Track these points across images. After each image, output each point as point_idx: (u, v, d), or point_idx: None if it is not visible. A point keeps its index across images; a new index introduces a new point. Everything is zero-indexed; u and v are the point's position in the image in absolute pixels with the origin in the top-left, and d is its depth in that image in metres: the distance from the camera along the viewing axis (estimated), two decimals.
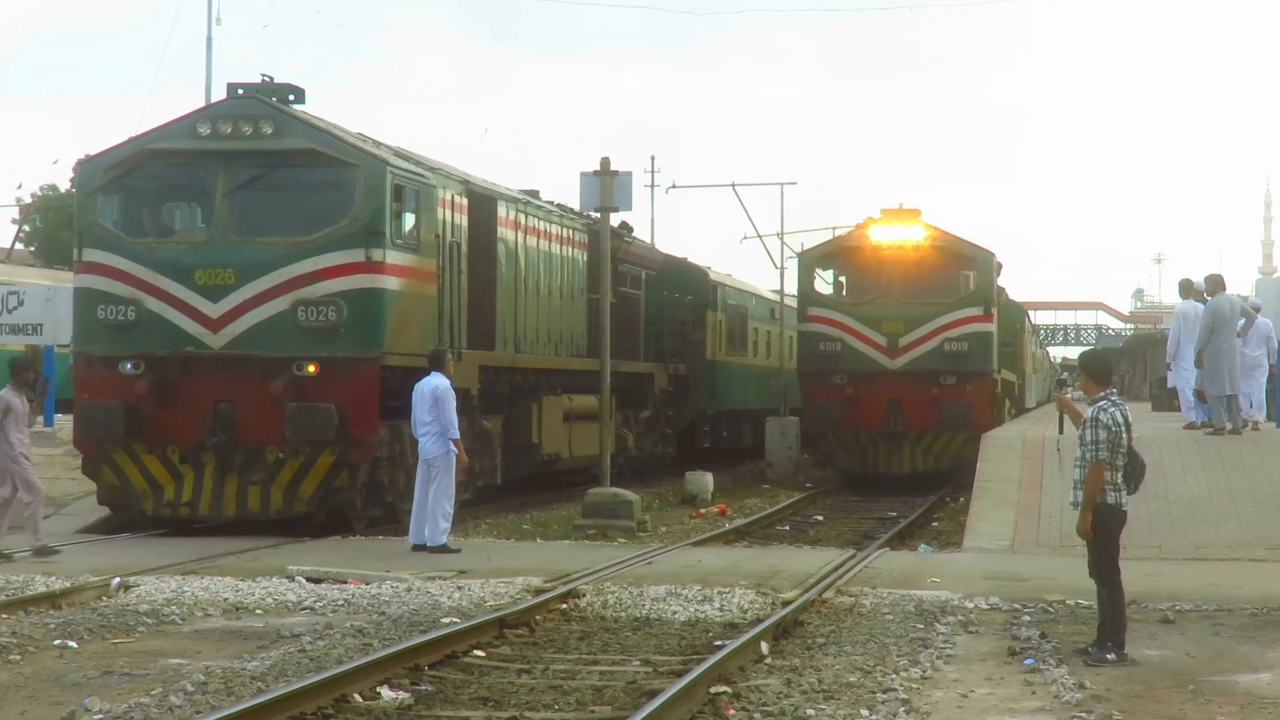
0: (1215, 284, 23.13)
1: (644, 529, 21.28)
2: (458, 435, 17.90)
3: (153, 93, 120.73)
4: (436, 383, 17.84)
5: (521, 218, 23.88)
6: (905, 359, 30.05)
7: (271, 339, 18.75)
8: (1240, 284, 27.67)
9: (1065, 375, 75.26)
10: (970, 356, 30.12)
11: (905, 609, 13.66)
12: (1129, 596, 11.93)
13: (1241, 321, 23.23)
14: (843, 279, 31.61)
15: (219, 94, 26.09)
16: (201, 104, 25.91)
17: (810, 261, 31.76)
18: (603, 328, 23.45)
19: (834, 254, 31.74)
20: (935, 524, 23.62)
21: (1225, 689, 10.42)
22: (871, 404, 29.94)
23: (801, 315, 31.54)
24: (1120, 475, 11.49)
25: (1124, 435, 11.45)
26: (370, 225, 18.85)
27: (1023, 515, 19.35)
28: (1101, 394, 11.59)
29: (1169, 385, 28.69)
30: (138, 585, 14.60)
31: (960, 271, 31.04)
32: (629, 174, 23.22)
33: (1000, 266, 32.75)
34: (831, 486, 30.80)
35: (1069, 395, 15.27)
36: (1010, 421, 35.78)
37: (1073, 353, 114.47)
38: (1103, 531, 11.47)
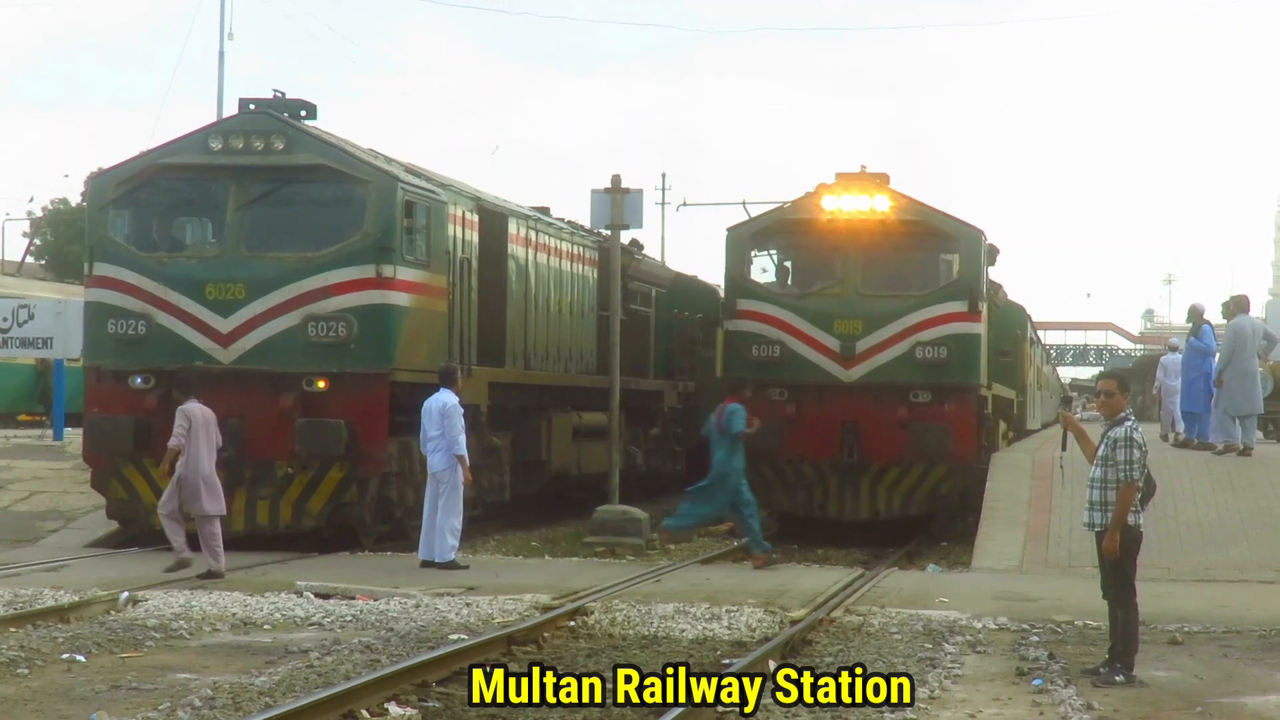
0: (1238, 304, 23.20)
1: (652, 546, 21.24)
2: (463, 452, 17.90)
3: (165, 107, 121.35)
4: (445, 399, 17.86)
5: (532, 234, 23.90)
6: (864, 369, 22.76)
7: (281, 354, 18.78)
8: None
9: (1072, 394, 75.25)
10: (950, 366, 22.76)
11: (913, 628, 13.66)
12: None
13: (1263, 343, 23.25)
14: (787, 263, 24.32)
15: (231, 108, 26.23)
16: (213, 118, 25.95)
17: (743, 240, 23.69)
18: (612, 345, 23.44)
19: (774, 230, 23.91)
20: (944, 544, 23.56)
21: (1233, 711, 10.40)
22: (819, 427, 22.67)
23: (729, 310, 23.59)
24: (1140, 496, 11.54)
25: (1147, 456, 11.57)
26: (381, 241, 18.88)
27: (1031, 536, 19.32)
28: (1122, 414, 11.62)
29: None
30: (146, 599, 14.61)
31: (939, 255, 23.68)
32: (640, 191, 23.19)
33: (994, 251, 25.01)
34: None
35: (1076, 415, 15.29)
36: (1009, 447, 29.82)
37: (1081, 372, 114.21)
38: (1123, 553, 11.48)
